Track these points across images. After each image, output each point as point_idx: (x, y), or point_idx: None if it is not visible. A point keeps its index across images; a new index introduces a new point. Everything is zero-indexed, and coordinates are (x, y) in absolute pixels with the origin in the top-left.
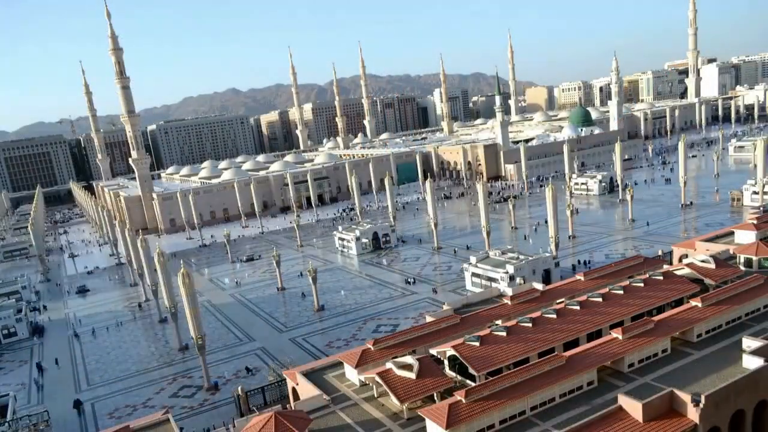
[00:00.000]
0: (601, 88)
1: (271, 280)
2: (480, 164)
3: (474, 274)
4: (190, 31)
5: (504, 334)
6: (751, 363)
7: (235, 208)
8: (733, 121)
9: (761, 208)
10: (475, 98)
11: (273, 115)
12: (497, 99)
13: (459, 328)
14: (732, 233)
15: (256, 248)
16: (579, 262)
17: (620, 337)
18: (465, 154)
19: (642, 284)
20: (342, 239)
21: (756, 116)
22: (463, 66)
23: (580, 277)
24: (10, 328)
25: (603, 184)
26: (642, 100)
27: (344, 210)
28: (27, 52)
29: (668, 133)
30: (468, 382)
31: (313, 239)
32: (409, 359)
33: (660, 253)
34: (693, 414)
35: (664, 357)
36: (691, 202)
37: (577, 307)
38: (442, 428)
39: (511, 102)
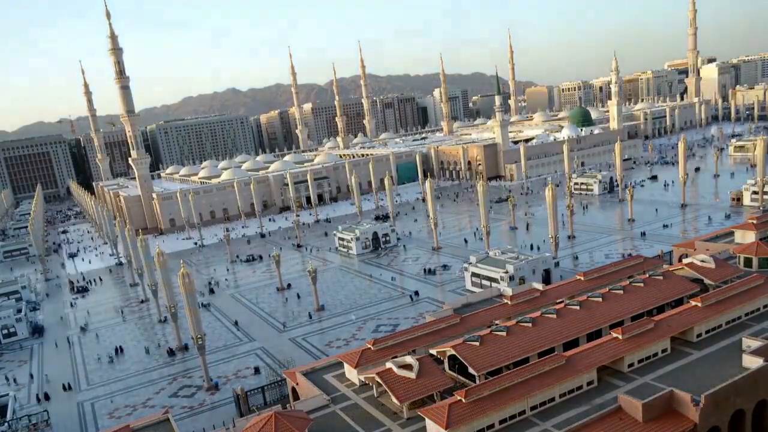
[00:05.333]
0: (601, 88)
1: (271, 280)
2: (480, 164)
3: (474, 274)
4: (190, 31)
5: (504, 334)
6: (751, 363)
7: (235, 208)
8: (733, 120)
9: (761, 208)
10: (475, 98)
11: (273, 115)
12: (497, 99)
13: (459, 328)
14: (732, 233)
15: (256, 248)
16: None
17: (620, 337)
18: (465, 153)
19: (642, 284)
20: (342, 239)
21: (756, 116)
22: (463, 66)
23: (580, 277)
24: (10, 328)
25: (603, 184)
26: (642, 100)
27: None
28: (27, 51)
29: (668, 132)
30: (468, 382)
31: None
32: (409, 359)
33: (660, 253)
34: (693, 414)
35: (664, 357)
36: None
37: (577, 307)
38: (442, 428)
39: (511, 102)
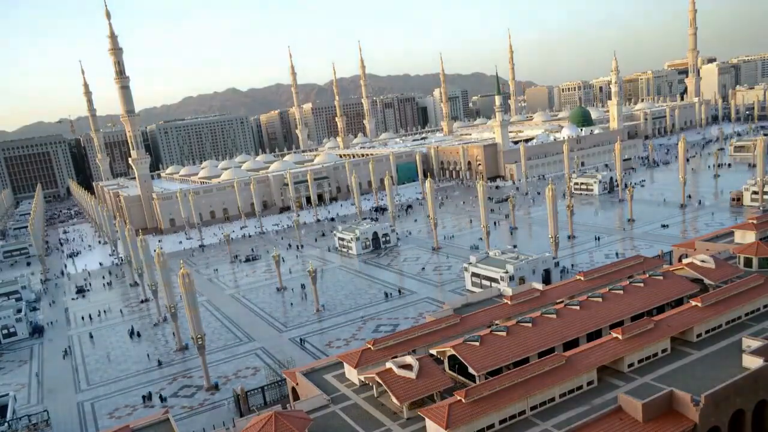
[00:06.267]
0: (600, 88)
1: (271, 280)
2: (480, 164)
3: (474, 274)
4: (190, 31)
5: (504, 334)
6: (751, 363)
7: (235, 208)
8: (732, 120)
9: (761, 208)
10: (475, 98)
11: (273, 115)
12: (497, 99)
13: (459, 328)
14: (732, 233)
15: (256, 248)
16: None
17: (620, 337)
18: (465, 153)
19: (642, 284)
20: (342, 239)
21: (756, 116)
22: (463, 66)
23: (580, 277)
24: (10, 328)
25: (603, 184)
26: (642, 100)
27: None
28: (27, 51)
29: (668, 132)
30: (468, 382)
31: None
32: (409, 359)
33: (660, 253)
34: (693, 414)
35: (664, 357)
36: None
37: (577, 307)
38: (442, 428)
39: (511, 102)
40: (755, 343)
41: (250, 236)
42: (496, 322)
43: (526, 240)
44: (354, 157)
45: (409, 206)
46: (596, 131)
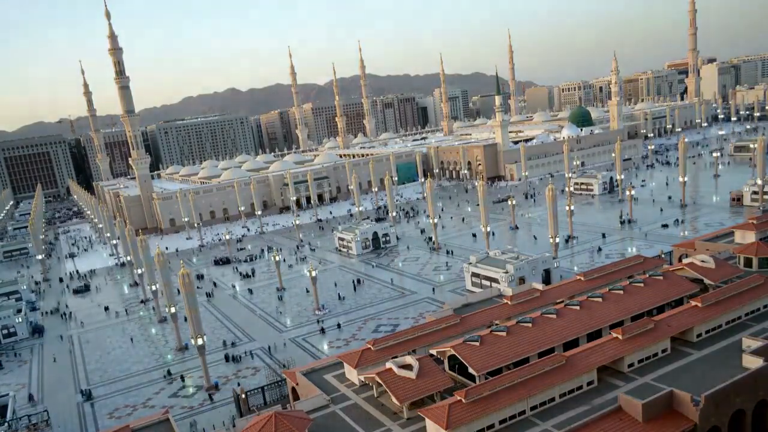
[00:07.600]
0: (600, 88)
1: (271, 280)
2: (480, 164)
3: (474, 274)
4: (191, 31)
5: (504, 334)
6: (751, 363)
7: (235, 208)
8: (732, 120)
9: (761, 208)
10: (475, 98)
11: (273, 115)
12: (497, 99)
13: (459, 328)
14: (732, 233)
15: (256, 248)
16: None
17: (620, 337)
18: (465, 153)
19: (642, 284)
20: (342, 239)
21: (756, 116)
22: (463, 66)
23: (580, 277)
24: (10, 328)
25: (603, 183)
26: (642, 100)
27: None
28: (27, 51)
29: (668, 133)
30: (468, 382)
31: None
32: (409, 359)
33: (660, 253)
34: (693, 414)
35: (664, 357)
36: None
37: (577, 307)
38: (442, 428)
39: (511, 102)
40: (755, 343)
41: (250, 236)
42: (496, 322)
43: (526, 240)
44: (354, 157)
45: (408, 213)
46: (596, 131)
